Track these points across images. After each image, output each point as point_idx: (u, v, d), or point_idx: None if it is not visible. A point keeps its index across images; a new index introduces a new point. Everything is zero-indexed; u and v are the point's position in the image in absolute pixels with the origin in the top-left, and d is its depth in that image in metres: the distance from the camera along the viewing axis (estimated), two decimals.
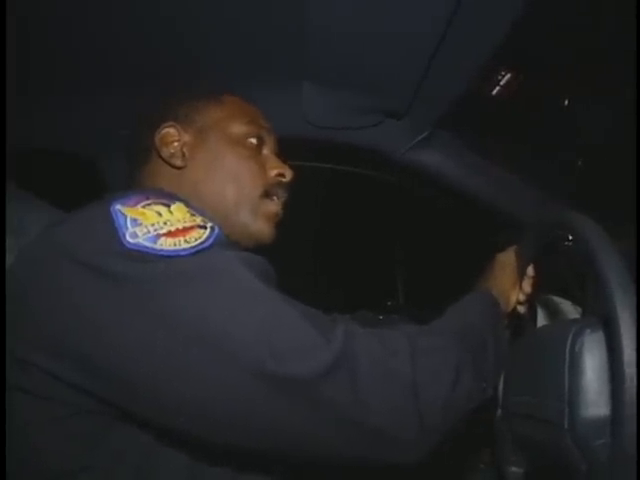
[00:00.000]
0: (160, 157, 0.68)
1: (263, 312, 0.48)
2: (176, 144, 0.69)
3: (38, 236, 0.54)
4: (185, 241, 0.50)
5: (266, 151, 0.74)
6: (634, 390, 0.43)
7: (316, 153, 1.21)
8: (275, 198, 0.72)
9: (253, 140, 0.71)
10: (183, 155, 0.68)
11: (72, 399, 0.49)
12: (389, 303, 1.91)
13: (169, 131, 0.69)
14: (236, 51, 0.83)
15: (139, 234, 0.49)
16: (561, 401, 0.53)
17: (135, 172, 0.71)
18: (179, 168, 0.68)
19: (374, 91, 0.91)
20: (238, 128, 0.71)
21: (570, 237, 0.60)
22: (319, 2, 0.69)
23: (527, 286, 0.78)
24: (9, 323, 0.50)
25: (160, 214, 0.53)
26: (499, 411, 0.73)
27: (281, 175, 0.73)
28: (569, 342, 0.53)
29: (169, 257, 0.48)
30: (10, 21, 0.65)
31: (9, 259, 0.56)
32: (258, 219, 0.69)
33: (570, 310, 0.97)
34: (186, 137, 0.69)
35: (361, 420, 0.47)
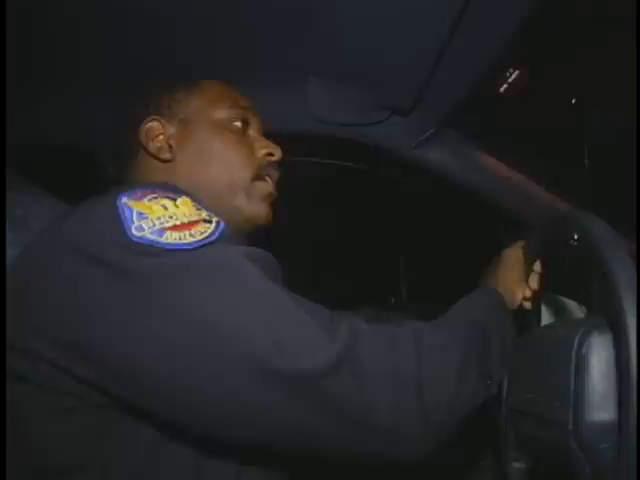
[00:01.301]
0: (147, 152, 0.68)
1: (267, 308, 0.48)
2: (161, 137, 0.68)
3: (44, 229, 0.54)
4: (190, 235, 0.50)
5: (252, 132, 0.73)
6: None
7: (321, 150, 1.21)
8: (267, 178, 0.71)
9: (238, 123, 0.71)
10: (170, 148, 0.67)
11: (75, 390, 0.50)
12: (392, 300, 1.91)
13: (153, 125, 0.68)
14: (241, 48, 0.83)
15: (145, 227, 0.49)
16: (566, 403, 0.52)
17: (124, 169, 0.70)
18: (168, 161, 0.67)
19: (381, 88, 0.91)
20: (221, 113, 0.70)
21: (576, 236, 0.60)
22: None
23: (534, 282, 0.76)
24: (14, 315, 0.50)
25: (166, 208, 0.53)
26: (502, 408, 0.73)
27: (270, 154, 0.72)
28: (576, 343, 0.52)
29: (173, 250, 0.48)
30: (10, 20, 0.64)
31: (12, 252, 0.56)
32: (253, 201, 0.69)
33: (575, 309, 0.96)
34: (171, 129, 0.68)
35: (364, 418, 0.47)
